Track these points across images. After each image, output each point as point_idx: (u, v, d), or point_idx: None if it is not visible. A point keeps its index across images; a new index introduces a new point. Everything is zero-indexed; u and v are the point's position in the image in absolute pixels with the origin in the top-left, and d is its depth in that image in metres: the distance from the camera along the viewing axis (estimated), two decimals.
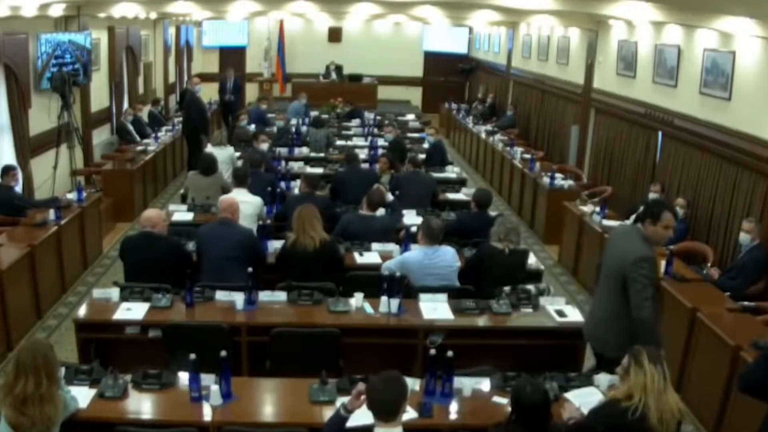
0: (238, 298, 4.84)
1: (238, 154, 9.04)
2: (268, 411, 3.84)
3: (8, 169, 7.32)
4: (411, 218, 6.96)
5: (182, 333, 4.53)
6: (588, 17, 10.06)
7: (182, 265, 5.37)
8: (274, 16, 18.43)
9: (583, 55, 11.18)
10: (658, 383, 3.18)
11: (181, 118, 11.78)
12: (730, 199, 6.95)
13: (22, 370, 3.23)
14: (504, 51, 16.00)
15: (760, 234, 6.11)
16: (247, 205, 6.13)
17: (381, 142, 10.97)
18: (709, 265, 6.53)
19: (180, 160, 11.94)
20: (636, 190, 9.01)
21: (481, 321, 4.85)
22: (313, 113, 12.94)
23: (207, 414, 3.67)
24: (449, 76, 19.73)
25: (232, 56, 19.03)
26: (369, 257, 5.92)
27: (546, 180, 9.13)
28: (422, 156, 9.35)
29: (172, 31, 15.94)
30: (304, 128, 11.65)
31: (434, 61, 19.92)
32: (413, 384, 3.90)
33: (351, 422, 3.27)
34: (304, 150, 10.36)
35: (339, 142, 11.16)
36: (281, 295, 4.97)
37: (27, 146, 8.63)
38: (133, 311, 4.72)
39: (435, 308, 4.90)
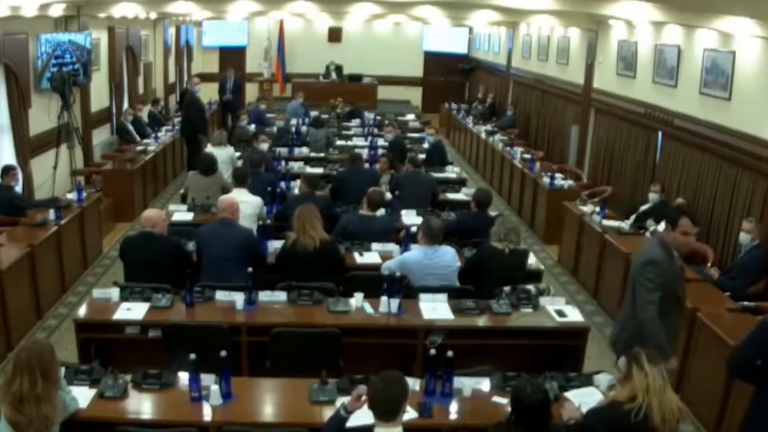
0: (238, 298, 4.84)
1: (238, 154, 9.04)
2: (268, 411, 3.84)
3: (8, 169, 7.32)
4: (411, 218, 6.96)
5: (182, 333, 4.53)
6: (588, 17, 10.06)
7: (182, 265, 5.37)
8: (274, 16, 18.43)
9: (583, 55, 11.18)
10: (659, 384, 3.19)
11: (180, 118, 11.77)
12: (730, 199, 6.95)
13: (18, 369, 3.25)
14: (504, 51, 16.00)
15: (760, 234, 6.11)
16: (247, 205, 6.13)
17: (381, 142, 10.97)
18: (709, 265, 6.54)
19: (180, 160, 11.94)
20: (636, 190, 9.01)
21: (481, 321, 4.85)
22: (313, 113, 12.95)
23: (207, 414, 3.67)
24: (449, 76, 19.74)
25: (232, 56, 19.03)
26: (369, 257, 5.92)
27: (546, 180, 9.13)
28: (422, 156, 9.35)
29: (172, 31, 15.93)
30: (304, 128, 11.65)
31: (434, 61, 19.92)
32: (413, 384, 3.89)
33: (351, 422, 3.27)
34: (304, 150, 10.37)
35: (339, 142, 11.16)
36: (281, 295, 4.97)
37: (27, 146, 8.63)
38: (133, 311, 4.72)
39: (435, 308, 4.90)
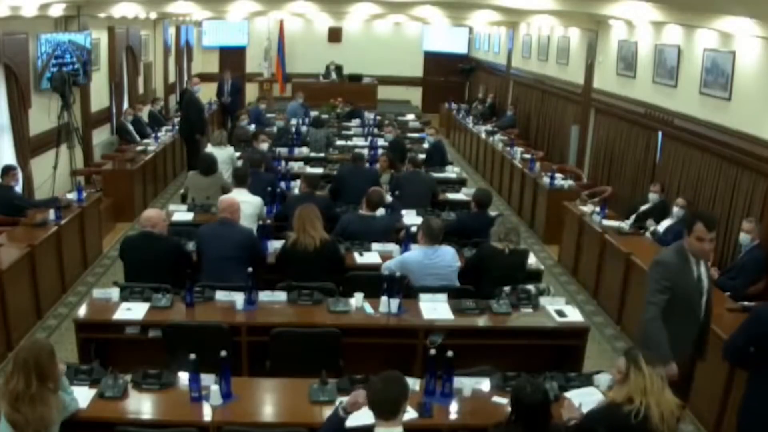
0: (238, 298, 4.84)
1: (238, 154, 9.04)
2: (268, 411, 3.84)
3: (8, 169, 7.32)
4: (411, 218, 6.96)
5: (182, 333, 4.53)
6: (588, 17, 10.06)
7: (182, 265, 5.37)
8: (274, 16, 18.43)
9: (583, 55, 11.18)
10: (657, 385, 3.19)
11: (179, 119, 11.77)
12: (730, 199, 6.95)
13: (15, 368, 3.27)
14: (504, 51, 16.00)
15: (760, 234, 6.10)
16: (247, 205, 6.13)
17: (381, 142, 10.97)
18: (709, 265, 6.52)
19: (180, 160, 11.94)
20: (636, 190, 9.01)
21: (481, 321, 4.85)
22: (313, 113, 12.94)
23: (207, 414, 3.67)
24: (449, 76, 19.73)
25: (232, 56, 19.05)
26: (369, 257, 5.92)
27: (546, 180, 9.13)
28: (422, 156, 9.35)
29: (172, 31, 15.93)
30: (304, 128, 11.65)
31: (434, 61, 19.92)
32: (413, 384, 3.89)
33: (351, 422, 3.27)
34: (304, 150, 10.37)
35: (339, 142, 11.16)
36: (281, 295, 4.97)
37: (27, 146, 8.63)
38: (133, 311, 4.72)
39: (435, 308, 4.90)
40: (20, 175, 7.79)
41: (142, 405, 3.75)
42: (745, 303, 5.32)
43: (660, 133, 8.63)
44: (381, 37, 19.64)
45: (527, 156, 10.60)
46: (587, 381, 4.07)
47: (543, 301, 5.09)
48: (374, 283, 5.08)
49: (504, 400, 3.78)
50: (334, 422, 3.26)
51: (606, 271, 7.03)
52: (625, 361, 3.29)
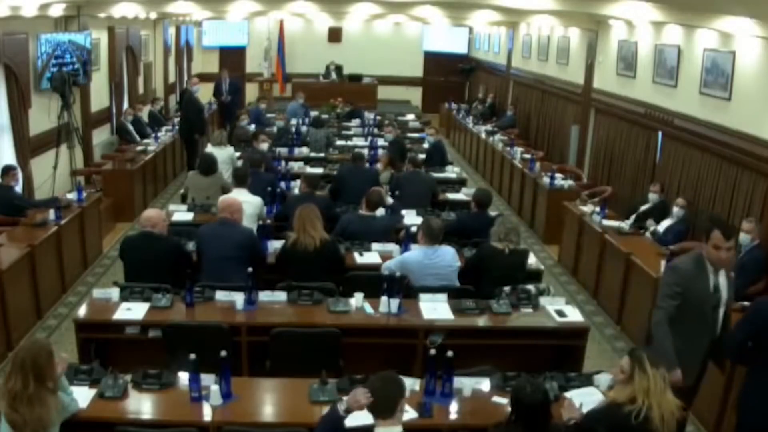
0: (238, 298, 4.84)
1: (238, 154, 9.04)
2: (268, 411, 3.84)
3: (8, 169, 7.32)
4: (411, 218, 6.96)
5: (182, 333, 4.53)
6: (588, 17, 10.06)
7: (182, 265, 5.37)
8: (274, 16, 18.43)
9: (583, 55, 11.18)
10: (660, 386, 3.19)
11: (179, 119, 11.77)
12: (730, 199, 6.95)
13: (13, 368, 3.27)
14: (504, 51, 16.00)
15: (760, 234, 6.10)
16: (247, 205, 6.13)
17: (381, 142, 10.97)
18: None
19: (180, 160, 11.94)
20: (636, 190, 9.01)
21: (481, 321, 4.85)
22: (313, 113, 12.94)
23: (207, 414, 3.67)
24: (449, 76, 19.73)
25: (232, 56, 19.05)
26: (369, 257, 5.92)
27: (546, 180, 9.13)
28: (422, 156, 9.35)
29: (172, 31, 15.93)
30: (304, 128, 11.65)
31: (434, 61, 19.92)
32: (413, 384, 3.90)
33: (350, 422, 3.27)
34: (304, 150, 10.36)
35: (339, 142, 11.16)
36: (281, 295, 4.97)
37: (27, 146, 8.63)
38: (133, 311, 4.72)
39: (435, 308, 4.90)
40: (20, 175, 7.79)
41: (142, 405, 3.75)
42: (745, 303, 5.30)
43: (660, 133, 8.63)
44: (381, 37, 19.64)
45: (527, 156, 10.60)
46: (587, 381, 4.07)
47: (543, 301, 5.09)
48: (374, 283, 5.08)
49: (504, 400, 3.78)
50: (332, 420, 3.26)
51: (606, 271, 7.04)
52: (629, 361, 3.29)
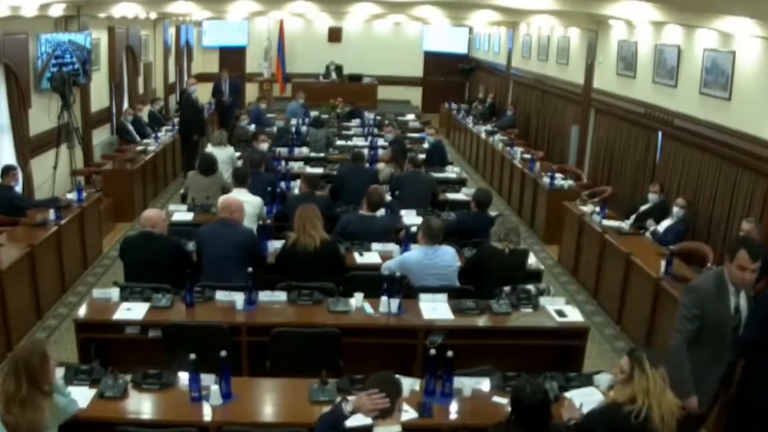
0: (238, 298, 4.84)
1: (238, 154, 9.04)
2: (268, 411, 3.84)
3: (8, 169, 7.32)
4: (411, 218, 6.96)
5: (182, 333, 4.52)
6: (588, 17, 10.06)
7: (182, 265, 5.36)
8: (274, 16, 18.43)
9: (583, 55, 11.18)
10: (659, 386, 3.20)
11: (179, 119, 11.76)
12: (730, 199, 6.95)
13: (9, 369, 3.26)
14: (504, 51, 16.00)
15: (760, 234, 6.10)
16: (247, 205, 6.12)
17: (381, 142, 10.97)
18: (709, 265, 6.54)
19: (180, 160, 11.92)
20: (636, 190, 9.01)
21: (481, 321, 4.85)
22: (313, 113, 12.94)
23: (207, 414, 3.67)
24: (449, 76, 19.73)
25: (232, 56, 19.05)
26: (369, 257, 5.92)
27: (546, 180, 9.13)
28: (422, 156, 9.34)
29: (172, 31, 15.93)
30: (304, 128, 11.65)
31: (434, 61, 19.92)
32: (413, 384, 3.90)
33: (349, 422, 3.27)
34: (304, 150, 10.37)
35: (339, 142, 11.16)
36: (281, 295, 4.97)
37: (27, 146, 8.63)
38: (133, 311, 4.72)
39: (435, 308, 4.90)
40: (20, 175, 7.79)
41: (142, 405, 3.75)
42: None
43: (660, 133, 8.63)
44: (381, 37, 19.64)
45: (527, 156, 10.60)
46: (587, 381, 4.07)
47: (543, 301, 5.09)
48: (374, 283, 5.08)
49: (504, 400, 3.78)
50: (333, 419, 3.25)
51: (606, 271, 7.03)
52: (628, 361, 3.29)
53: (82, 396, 3.68)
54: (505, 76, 15.83)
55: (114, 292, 4.91)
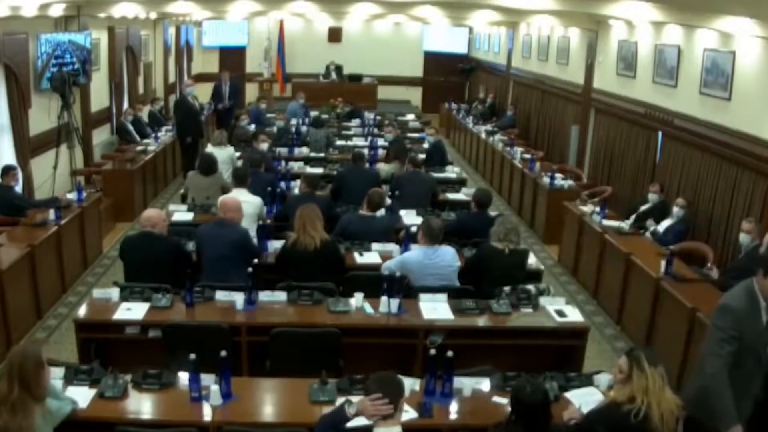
0: (238, 298, 4.84)
1: (238, 154, 9.04)
2: (268, 411, 3.84)
3: (8, 169, 7.31)
4: (411, 218, 6.96)
5: (182, 333, 4.53)
6: (588, 17, 10.06)
7: (182, 265, 5.37)
8: (274, 16, 18.43)
9: (583, 55, 11.18)
10: (658, 384, 3.20)
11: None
12: (730, 199, 6.95)
13: (3, 371, 3.25)
14: (504, 51, 16.00)
15: (760, 234, 6.10)
16: (247, 205, 6.13)
17: (381, 142, 10.97)
18: (709, 265, 6.54)
19: (180, 160, 11.92)
20: (636, 190, 9.01)
21: (481, 321, 4.85)
22: (313, 113, 12.94)
23: (207, 414, 3.67)
24: (449, 76, 19.73)
25: (232, 56, 19.05)
26: (369, 257, 5.92)
27: (546, 180, 9.13)
28: (422, 156, 9.34)
29: (172, 31, 15.93)
30: (304, 128, 11.65)
31: (434, 61, 19.92)
32: (413, 384, 3.90)
33: (349, 422, 3.27)
34: (304, 150, 10.36)
35: (339, 142, 11.16)
36: (281, 295, 4.97)
37: (27, 146, 8.63)
38: (133, 311, 4.72)
39: (435, 308, 4.90)
40: (20, 175, 7.79)
41: (142, 405, 3.75)
42: None
43: (660, 133, 8.63)
44: (381, 37, 19.64)
45: (527, 156, 10.59)
46: (587, 381, 4.07)
47: (543, 301, 5.09)
48: (374, 283, 5.08)
49: (504, 400, 3.78)
50: (336, 418, 3.25)
51: (606, 271, 7.03)
52: (627, 361, 3.30)
53: (82, 396, 3.68)
54: (505, 76, 15.83)
55: (114, 292, 4.91)
